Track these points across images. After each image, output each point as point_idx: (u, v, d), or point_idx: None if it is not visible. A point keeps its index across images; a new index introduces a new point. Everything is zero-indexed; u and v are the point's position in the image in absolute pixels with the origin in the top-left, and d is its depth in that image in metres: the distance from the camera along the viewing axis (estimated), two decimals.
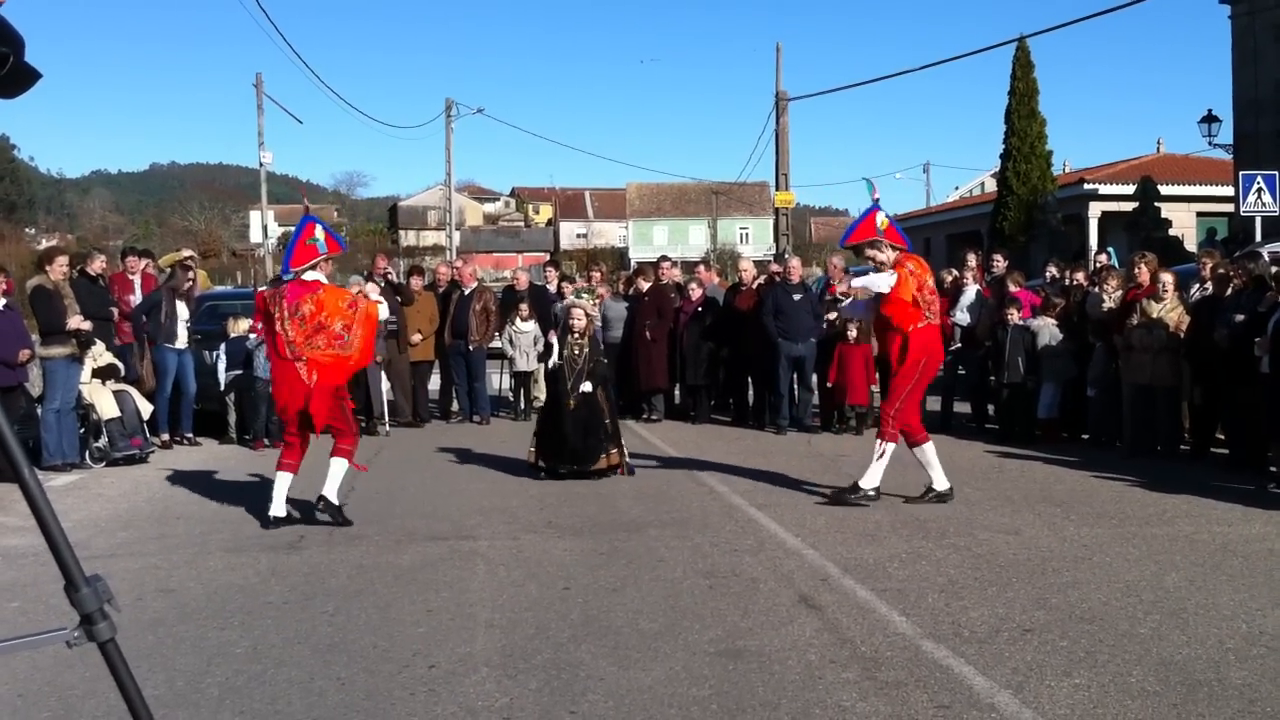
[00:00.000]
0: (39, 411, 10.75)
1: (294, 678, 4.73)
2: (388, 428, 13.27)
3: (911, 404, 8.51)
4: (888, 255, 8.45)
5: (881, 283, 8.34)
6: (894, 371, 8.54)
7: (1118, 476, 9.48)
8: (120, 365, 11.61)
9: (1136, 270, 11.29)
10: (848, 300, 9.28)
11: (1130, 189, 31.23)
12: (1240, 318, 9.48)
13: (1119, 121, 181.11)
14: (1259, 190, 19.83)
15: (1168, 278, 10.74)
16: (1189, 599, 5.74)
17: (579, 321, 10.10)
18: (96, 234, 70.00)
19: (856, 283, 8.83)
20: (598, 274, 16.85)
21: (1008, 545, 7.05)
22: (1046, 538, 7.26)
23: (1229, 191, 26.20)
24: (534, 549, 7.11)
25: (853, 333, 12.57)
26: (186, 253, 15.23)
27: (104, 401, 10.99)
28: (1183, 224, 31.23)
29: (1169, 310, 10.53)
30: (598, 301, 11.06)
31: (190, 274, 13.15)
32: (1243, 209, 20.42)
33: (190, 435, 12.31)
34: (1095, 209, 34.51)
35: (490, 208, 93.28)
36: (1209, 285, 10.65)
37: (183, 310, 12.27)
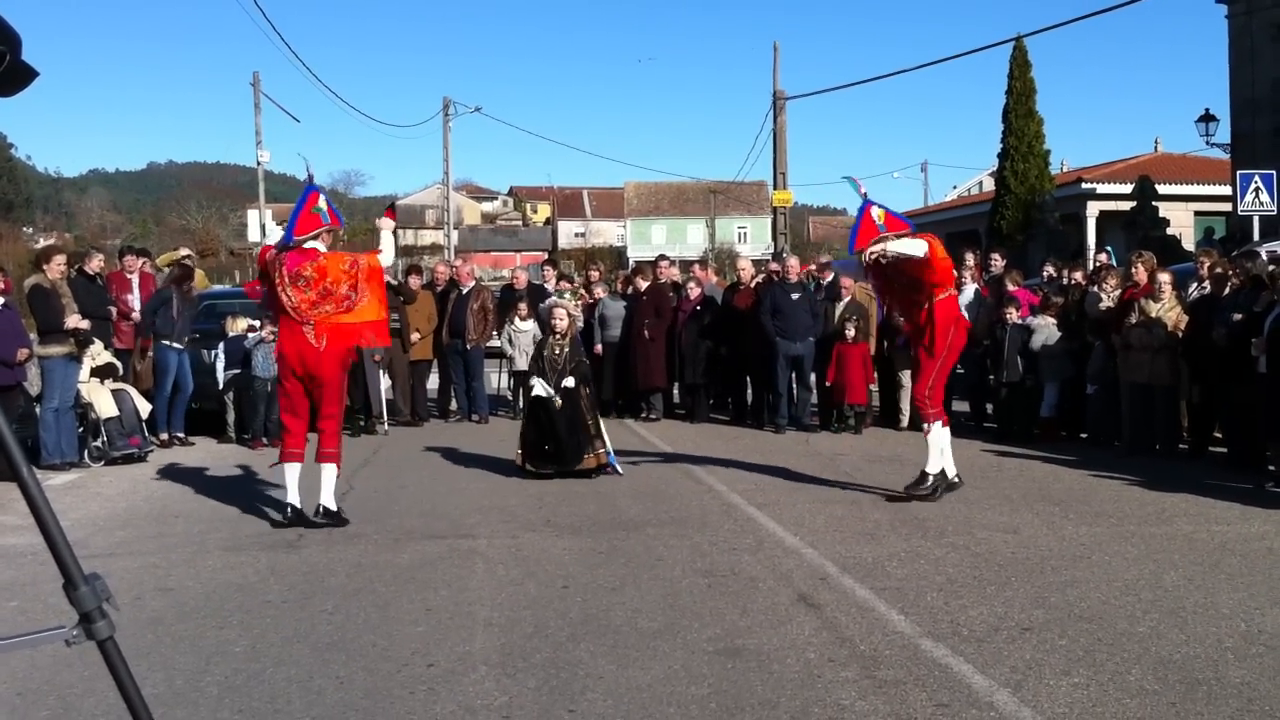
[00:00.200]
0: (37, 410, 10.74)
1: (293, 676, 4.73)
2: (386, 427, 13.27)
3: (940, 384, 8.52)
4: (897, 241, 8.35)
5: (915, 248, 8.17)
6: (921, 348, 8.46)
7: (1116, 475, 9.48)
8: (119, 364, 11.61)
9: (1134, 269, 11.30)
10: (838, 260, 9.12)
11: (1128, 188, 31.23)
12: (1238, 317, 9.49)
13: (1116, 121, 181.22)
14: (1256, 189, 19.85)
15: (1164, 277, 10.75)
16: (1187, 598, 5.75)
17: (561, 322, 10.08)
18: (94, 233, 69.92)
19: (892, 247, 8.24)
20: (595, 273, 16.83)
21: (1006, 544, 7.06)
22: (1045, 536, 7.27)
23: (1226, 191, 26.21)
24: (533, 548, 7.11)
25: (851, 332, 12.58)
26: (184, 251, 15.19)
27: (102, 400, 10.98)
28: (1180, 223, 31.24)
29: (1167, 309, 10.54)
30: (580, 302, 10.98)
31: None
32: (1240, 208, 20.44)
33: (182, 435, 12.26)
34: (1093, 208, 34.52)
35: (488, 207, 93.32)
36: (1207, 284, 10.66)
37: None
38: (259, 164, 39.83)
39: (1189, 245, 26.65)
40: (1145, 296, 10.75)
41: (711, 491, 9.09)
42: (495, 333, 14.50)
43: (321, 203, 7.82)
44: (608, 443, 9.93)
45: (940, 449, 8.61)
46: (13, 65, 2.15)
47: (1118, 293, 11.37)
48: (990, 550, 6.89)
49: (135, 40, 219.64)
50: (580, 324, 11.11)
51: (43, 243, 40.77)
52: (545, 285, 15.50)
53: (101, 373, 11.26)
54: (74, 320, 10.69)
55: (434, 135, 55.40)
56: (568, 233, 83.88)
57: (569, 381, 9.77)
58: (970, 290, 12.49)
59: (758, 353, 13.10)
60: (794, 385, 13.23)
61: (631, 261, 50.92)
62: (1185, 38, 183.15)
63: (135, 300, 12.57)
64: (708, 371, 14.07)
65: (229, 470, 10.47)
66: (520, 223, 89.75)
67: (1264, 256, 11.12)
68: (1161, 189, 30.39)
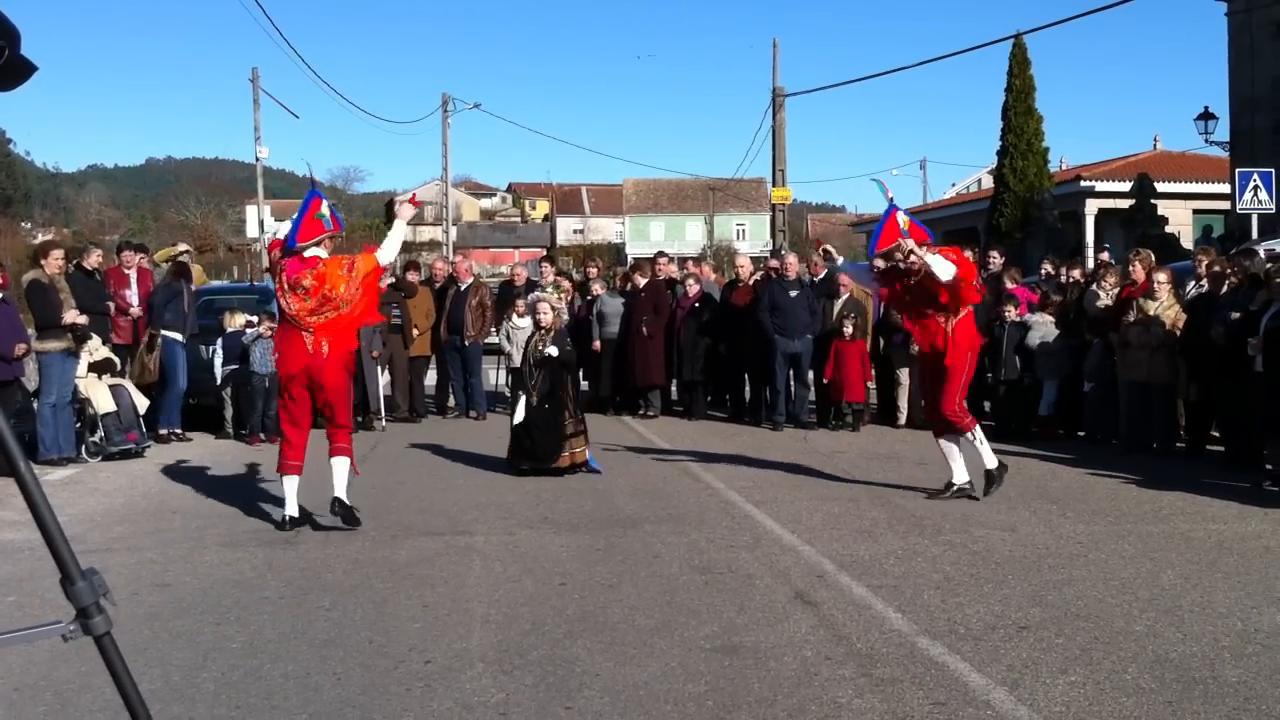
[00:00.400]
0: (35, 406, 10.72)
1: (290, 672, 4.73)
2: (384, 423, 13.26)
3: (952, 395, 8.46)
4: (918, 251, 8.27)
5: (944, 269, 8.01)
6: (941, 364, 8.39)
7: (1113, 474, 9.49)
8: (116, 360, 11.59)
9: (1132, 268, 11.30)
10: (844, 261, 9.06)
11: (1127, 186, 31.20)
12: (1235, 316, 9.49)
13: (1116, 118, 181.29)
14: (1255, 187, 19.83)
15: (1162, 275, 10.74)
16: (1184, 596, 5.75)
17: (545, 316, 9.99)
18: (92, 228, 69.81)
19: (929, 258, 8.09)
20: (594, 269, 16.82)
21: (1003, 542, 7.06)
22: (1042, 535, 7.27)
23: (1225, 189, 26.16)
24: (530, 544, 7.11)
25: (848, 329, 12.59)
26: (182, 247, 15.15)
27: (100, 396, 10.97)
28: (1179, 221, 31.24)
29: (1165, 308, 10.54)
30: (564, 297, 10.88)
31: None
32: (1239, 206, 20.42)
33: (179, 431, 12.24)
34: (1092, 206, 34.52)
35: (487, 203, 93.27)
36: (1205, 283, 10.66)
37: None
38: (258, 160, 39.85)
39: (1187, 243, 26.65)
40: (1143, 295, 10.75)
41: (709, 489, 9.09)
42: (493, 329, 14.49)
43: (324, 209, 7.77)
44: (588, 442, 9.84)
45: (951, 454, 8.60)
46: (11, 60, 2.15)
47: (1116, 291, 11.37)
48: (987, 548, 6.89)
49: (134, 35, 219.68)
50: (565, 317, 11.02)
51: (41, 238, 40.79)
52: (543, 280, 15.48)
53: (99, 368, 11.25)
54: (72, 315, 10.68)
55: (433, 131, 55.34)
56: (566, 229, 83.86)
57: (552, 350, 9.68)
58: None
59: (756, 350, 13.09)
60: (792, 382, 13.23)
61: (630, 258, 50.91)
62: (1185, 35, 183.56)
63: (133, 296, 12.56)
64: (706, 368, 14.06)
65: (227, 466, 10.47)
66: (519, 219, 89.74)
67: (1262, 255, 11.12)
68: (1160, 187, 30.37)
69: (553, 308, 10.14)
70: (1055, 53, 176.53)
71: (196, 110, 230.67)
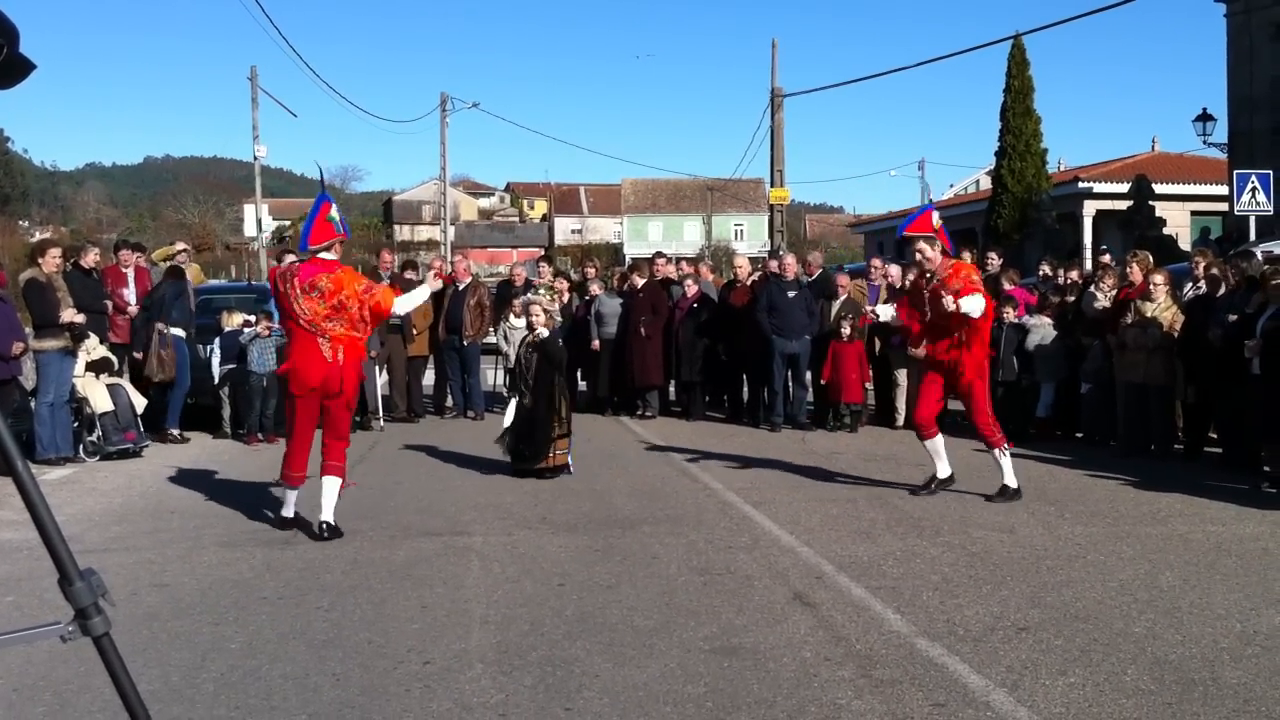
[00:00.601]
0: (32, 405, 10.71)
1: (289, 673, 4.72)
2: (382, 423, 13.25)
3: (931, 399, 8.70)
4: (936, 253, 8.52)
5: (976, 308, 8.23)
6: (958, 378, 8.56)
7: (1112, 475, 9.49)
8: (114, 359, 11.58)
9: (1130, 269, 11.30)
10: (889, 315, 9.19)
11: (1125, 187, 31.26)
12: (1233, 318, 9.49)
13: (1114, 120, 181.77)
14: (1253, 189, 19.85)
15: (1158, 277, 10.74)
16: (1183, 598, 5.75)
17: (537, 318, 9.90)
18: (90, 227, 69.81)
19: (965, 307, 8.22)
20: (591, 270, 16.82)
21: (1002, 543, 7.06)
22: (1041, 536, 7.27)
23: (1223, 190, 26.20)
24: (529, 545, 7.11)
25: (846, 330, 12.59)
26: (180, 246, 15.17)
27: (97, 395, 10.96)
28: (1177, 223, 31.29)
29: (1162, 309, 10.54)
30: (556, 297, 10.80)
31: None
32: (1237, 208, 20.43)
33: (178, 431, 12.22)
34: (1090, 207, 34.55)
35: (485, 203, 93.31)
36: (1202, 284, 10.67)
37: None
38: (256, 159, 39.78)
39: (1185, 245, 26.69)
40: (1140, 296, 10.75)
41: (707, 489, 9.09)
42: (492, 329, 14.49)
43: (334, 212, 7.73)
44: (570, 444, 9.72)
45: (937, 452, 8.76)
46: (10, 58, 2.14)
47: (1114, 292, 11.37)
48: (986, 549, 6.89)
49: (132, 34, 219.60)
50: (558, 320, 10.93)
51: (38, 236, 40.79)
52: (538, 280, 15.48)
53: (97, 367, 11.23)
54: (69, 314, 10.66)
55: (431, 131, 55.24)
56: (564, 229, 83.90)
57: (543, 331, 9.63)
58: None
59: (754, 350, 13.09)
60: (790, 383, 13.23)
61: (628, 258, 50.93)
62: (1183, 37, 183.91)
63: (131, 295, 12.56)
64: (704, 369, 14.06)
65: (224, 466, 10.45)
66: (517, 219, 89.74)
67: (1259, 256, 11.13)
68: (1158, 188, 30.42)
69: (544, 310, 10.07)
70: (1054, 54, 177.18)
71: (195, 109, 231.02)
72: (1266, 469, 9.08)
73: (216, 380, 12.61)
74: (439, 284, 8.51)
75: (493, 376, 15.69)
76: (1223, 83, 26.45)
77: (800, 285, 13.18)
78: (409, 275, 14.50)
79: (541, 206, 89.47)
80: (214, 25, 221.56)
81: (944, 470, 8.78)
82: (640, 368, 13.93)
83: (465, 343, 14.15)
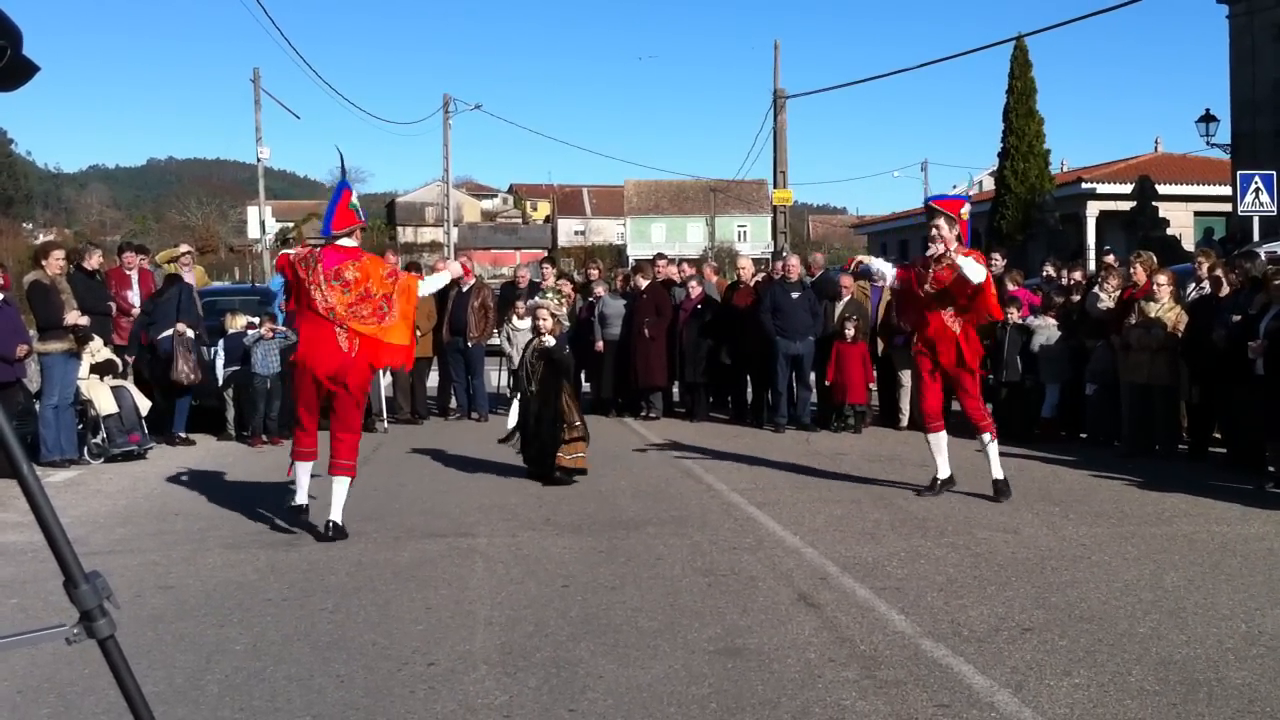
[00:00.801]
0: (37, 407, 10.73)
1: (293, 675, 4.72)
2: (386, 424, 13.26)
3: (934, 390, 8.80)
4: (951, 235, 8.46)
5: (976, 272, 8.26)
6: (954, 372, 8.65)
7: (1116, 476, 9.48)
8: (118, 361, 11.59)
9: (1133, 270, 11.29)
10: (890, 273, 9.15)
11: (1128, 188, 31.24)
12: (1237, 318, 9.48)
13: (1117, 121, 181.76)
14: (1256, 190, 19.84)
15: (1162, 278, 10.73)
16: (1188, 598, 5.74)
17: (544, 323, 9.72)
18: (94, 229, 69.90)
19: (968, 269, 8.25)
20: (595, 271, 16.82)
21: (1006, 544, 7.05)
22: (1045, 537, 7.26)
23: (1227, 191, 26.21)
24: (533, 546, 7.11)
25: (850, 331, 12.58)
26: (184, 248, 15.18)
27: (102, 397, 10.97)
28: (1180, 223, 31.25)
29: (1166, 310, 10.53)
30: (565, 301, 10.68)
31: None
32: (1240, 209, 20.43)
33: (183, 433, 12.24)
34: (1093, 208, 34.56)
35: (488, 204, 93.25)
36: (1206, 285, 10.65)
37: None
38: (259, 160, 39.83)
39: (1189, 246, 26.65)
40: (1144, 297, 10.74)
41: (711, 490, 9.09)
42: (495, 330, 14.49)
43: (355, 200, 7.68)
44: (575, 450, 9.49)
45: (939, 449, 8.78)
46: (13, 60, 2.14)
47: (1118, 293, 11.36)
48: (990, 550, 6.89)
49: (136, 36, 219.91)
50: (566, 324, 10.79)
51: (42, 239, 40.80)
52: (545, 283, 15.47)
53: (101, 369, 11.24)
54: (73, 317, 10.67)
55: (434, 132, 55.38)
56: (568, 230, 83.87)
57: (549, 340, 9.51)
58: None
59: (757, 352, 13.09)
60: (794, 384, 13.23)
61: (631, 260, 50.93)
62: (1186, 38, 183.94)
63: (135, 297, 12.56)
64: (708, 370, 14.05)
65: (229, 468, 10.46)
66: (520, 220, 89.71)
67: (1263, 257, 11.11)
68: (1161, 189, 30.39)
69: (552, 314, 9.87)
70: (1056, 55, 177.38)
71: (198, 111, 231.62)
72: (1271, 469, 9.07)
73: (220, 382, 12.62)
74: (458, 268, 8.43)
75: (496, 378, 15.69)
76: (1226, 83, 26.44)
77: (804, 286, 13.18)
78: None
79: (545, 208, 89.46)
80: (216, 27, 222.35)
81: (944, 470, 8.77)
82: (644, 369, 13.93)
83: (469, 344, 14.15)
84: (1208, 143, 27.29)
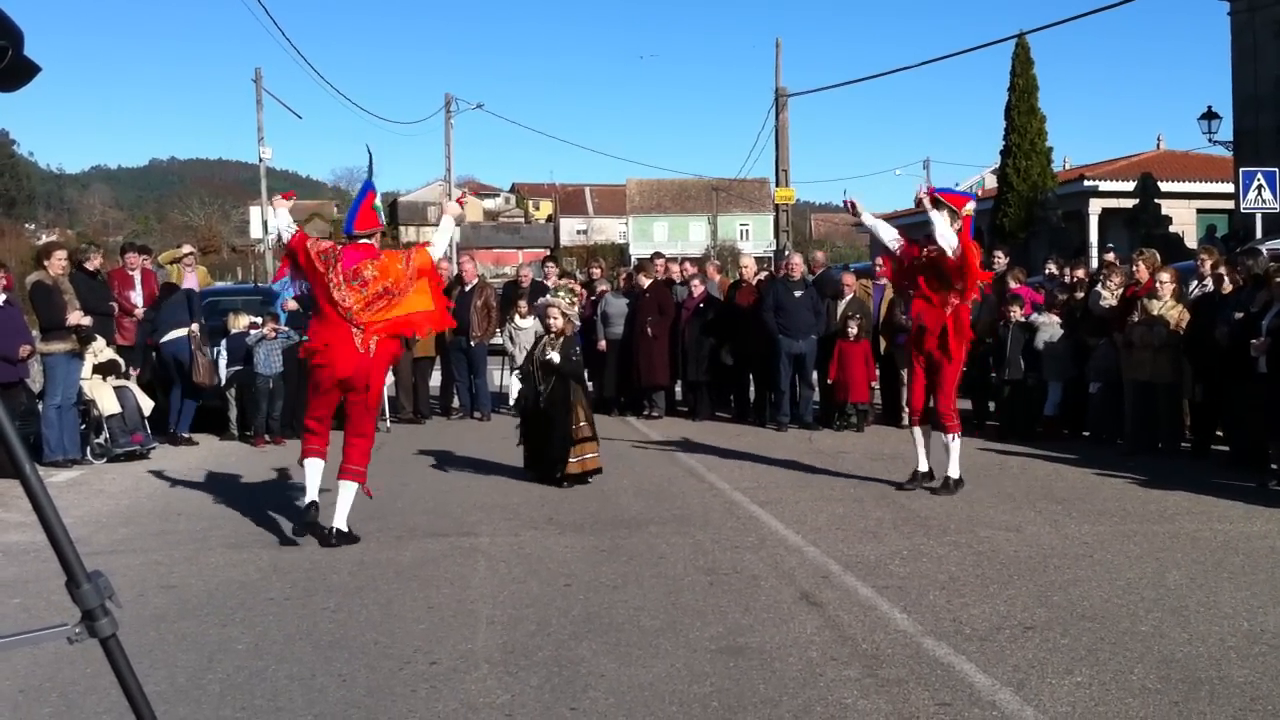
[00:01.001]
0: (40, 407, 10.74)
1: (295, 674, 4.73)
2: (388, 424, 13.26)
3: (949, 389, 8.84)
4: (951, 227, 8.55)
5: (948, 237, 8.41)
6: (937, 357, 8.68)
7: (1119, 474, 9.47)
8: (121, 361, 11.59)
9: (1136, 268, 11.28)
10: (891, 237, 9.15)
11: (1130, 186, 31.22)
12: (1239, 316, 9.47)
13: (1119, 118, 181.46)
14: (1259, 187, 19.84)
15: (1165, 275, 10.72)
16: (1190, 597, 5.74)
17: (555, 322, 9.64)
18: (96, 229, 70.00)
19: (935, 216, 8.52)
20: (597, 270, 16.82)
21: (1009, 542, 7.05)
22: (1047, 535, 7.26)
23: (1229, 188, 26.20)
24: (535, 545, 7.11)
25: (853, 330, 12.58)
26: (186, 249, 15.17)
27: (105, 397, 10.98)
28: (1183, 221, 31.22)
29: (1169, 307, 10.52)
30: (576, 301, 10.57)
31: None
32: (1243, 206, 20.43)
33: (186, 433, 12.25)
34: (1095, 206, 34.52)
35: (490, 203, 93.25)
36: (1208, 282, 10.64)
37: None
38: (261, 160, 39.82)
39: (1191, 243, 26.62)
40: (1147, 294, 10.73)
41: (714, 489, 9.09)
42: (498, 330, 14.49)
43: (378, 201, 7.66)
44: (585, 451, 9.40)
45: (954, 450, 8.84)
46: (15, 61, 2.15)
47: (1120, 290, 11.35)
48: (993, 549, 6.88)
49: (138, 37, 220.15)
50: (577, 324, 10.67)
51: (44, 239, 40.82)
52: (546, 283, 15.47)
53: (104, 369, 11.25)
54: (76, 317, 10.68)
55: (436, 132, 55.34)
56: (570, 230, 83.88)
57: (553, 356, 9.37)
58: None
59: (760, 350, 13.09)
60: (796, 383, 13.22)
61: (633, 258, 50.94)
62: (1188, 35, 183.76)
63: (138, 297, 12.56)
64: (710, 369, 14.05)
65: (231, 468, 10.47)
66: (522, 220, 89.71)
67: (1265, 254, 11.10)
68: (1164, 186, 30.37)
69: (563, 313, 9.74)
70: (1058, 52, 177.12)
71: (200, 111, 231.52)
72: (1274, 466, 9.06)
73: (223, 382, 12.62)
74: (455, 206, 8.33)
75: (499, 377, 15.69)
76: (1228, 80, 26.44)
77: (806, 285, 13.17)
78: None
79: (547, 207, 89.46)
80: (218, 27, 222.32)
81: (923, 465, 8.93)
82: (647, 368, 13.94)
83: (472, 343, 14.15)
84: (1210, 140, 27.26)
